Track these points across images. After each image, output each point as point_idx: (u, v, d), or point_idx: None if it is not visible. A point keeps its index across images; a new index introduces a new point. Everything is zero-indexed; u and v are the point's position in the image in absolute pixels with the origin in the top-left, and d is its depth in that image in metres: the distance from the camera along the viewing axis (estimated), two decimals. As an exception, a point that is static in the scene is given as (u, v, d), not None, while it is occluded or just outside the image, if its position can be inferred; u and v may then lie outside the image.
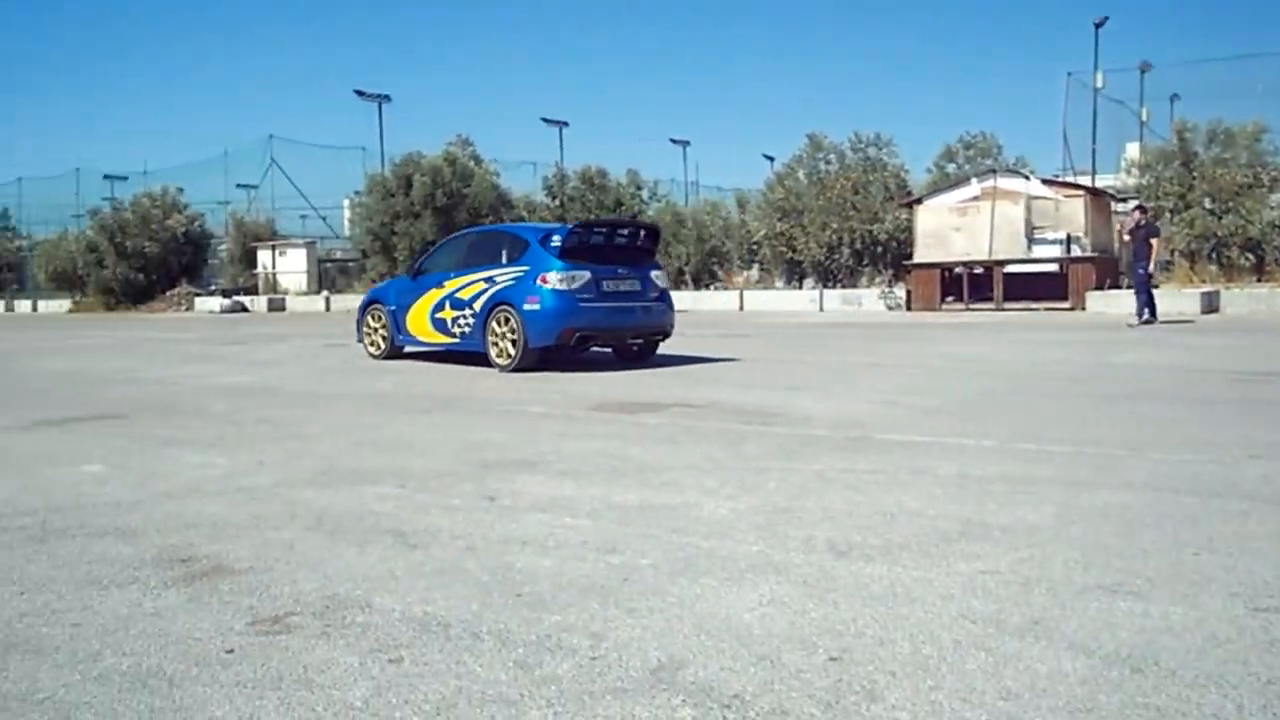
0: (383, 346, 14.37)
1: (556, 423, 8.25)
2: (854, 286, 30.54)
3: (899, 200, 30.41)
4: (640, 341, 13.13)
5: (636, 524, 4.82)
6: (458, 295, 13.00)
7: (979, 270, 25.60)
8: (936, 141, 45.63)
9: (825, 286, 30.59)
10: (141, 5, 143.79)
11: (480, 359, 12.78)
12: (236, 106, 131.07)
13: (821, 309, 28.48)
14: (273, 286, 42.87)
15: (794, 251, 32.69)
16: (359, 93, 43.30)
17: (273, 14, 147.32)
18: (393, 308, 14.18)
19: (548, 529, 4.74)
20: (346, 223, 51.50)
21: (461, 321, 12.92)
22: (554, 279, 11.98)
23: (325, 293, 40.33)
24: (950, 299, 25.70)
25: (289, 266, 43.55)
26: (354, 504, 5.37)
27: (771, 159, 43.69)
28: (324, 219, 52.99)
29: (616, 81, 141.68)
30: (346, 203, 50.75)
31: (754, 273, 38.38)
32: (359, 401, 9.95)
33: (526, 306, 12.01)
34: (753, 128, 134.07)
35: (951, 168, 32.89)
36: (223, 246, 48.55)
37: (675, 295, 14.71)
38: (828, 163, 33.19)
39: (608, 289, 12.31)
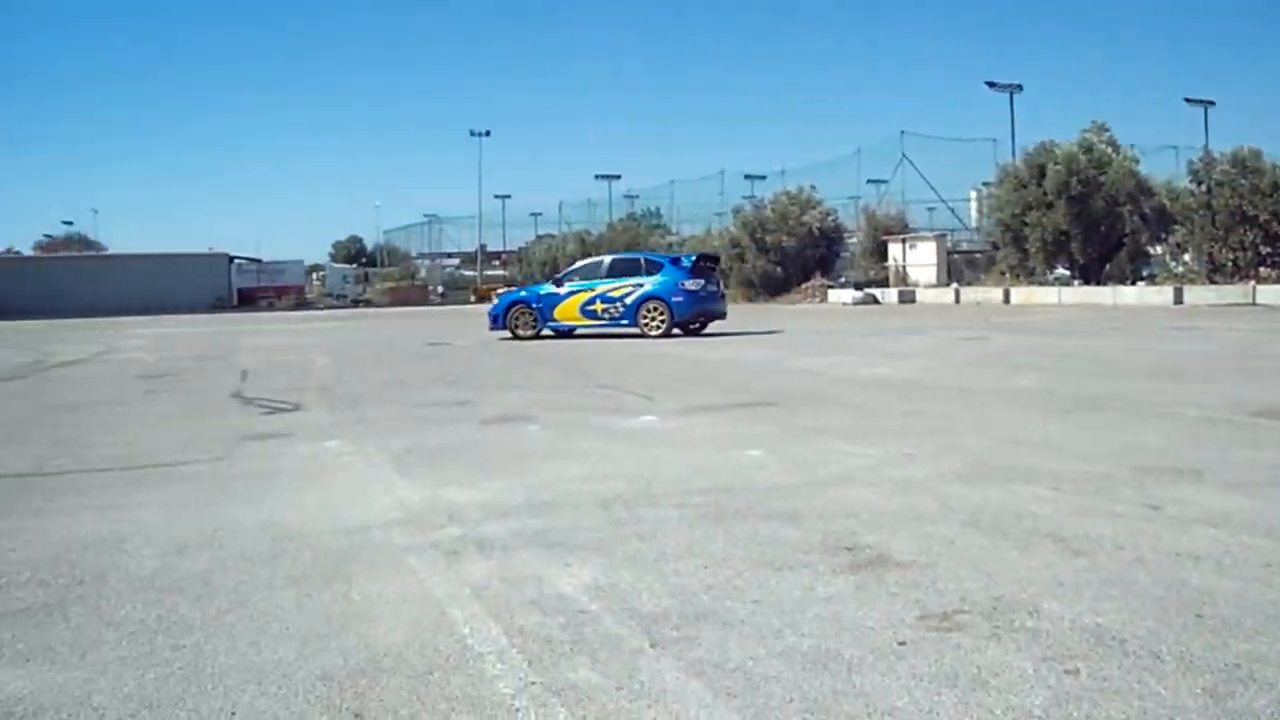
0: (531, 330, 21.33)
1: (1219, 428, 7.54)
2: None
3: None
4: (704, 321, 21.54)
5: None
6: (609, 294, 20.82)
7: None
8: None
9: None
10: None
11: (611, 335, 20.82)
12: (869, 106, 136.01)
13: None
14: (902, 279, 43.65)
15: None
16: (990, 84, 42.79)
17: (905, 12, 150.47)
18: (538, 305, 21.50)
19: (1222, 546, 4.33)
20: (973, 214, 51.15)
21: (612, 310, 20.79)
22: (690, 285, 20.62)
23: (954, 285, 40.31)
24: None
25: (918, 259, 44.09)
26: (1010, 503, 5.29)
27: None
28: (951, 210, 53.11)
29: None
30: (973, 194, 50.40)
31: None
32: (999, 396, 9.81)
33: (673, 299, 20.40)
34: None
35: None
36: (853, 240, 50.41)
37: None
38: None
39: (707, 291, 21.14)
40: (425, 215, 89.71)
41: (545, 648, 3.44)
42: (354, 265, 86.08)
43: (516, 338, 21.18)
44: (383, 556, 4.62)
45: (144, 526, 5.28)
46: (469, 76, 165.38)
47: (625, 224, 65.31)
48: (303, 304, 64.64)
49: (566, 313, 21.22)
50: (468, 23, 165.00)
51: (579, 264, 23.33)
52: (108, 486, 6.44)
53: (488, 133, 71.34)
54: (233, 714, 2.98)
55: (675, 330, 20.50)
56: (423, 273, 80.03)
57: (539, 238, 77.66)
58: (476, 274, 75.01)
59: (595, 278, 21.33)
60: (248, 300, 65.01)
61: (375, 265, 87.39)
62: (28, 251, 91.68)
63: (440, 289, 70.35)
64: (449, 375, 13.68)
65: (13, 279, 65.06)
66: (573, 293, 21.22)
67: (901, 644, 3.35)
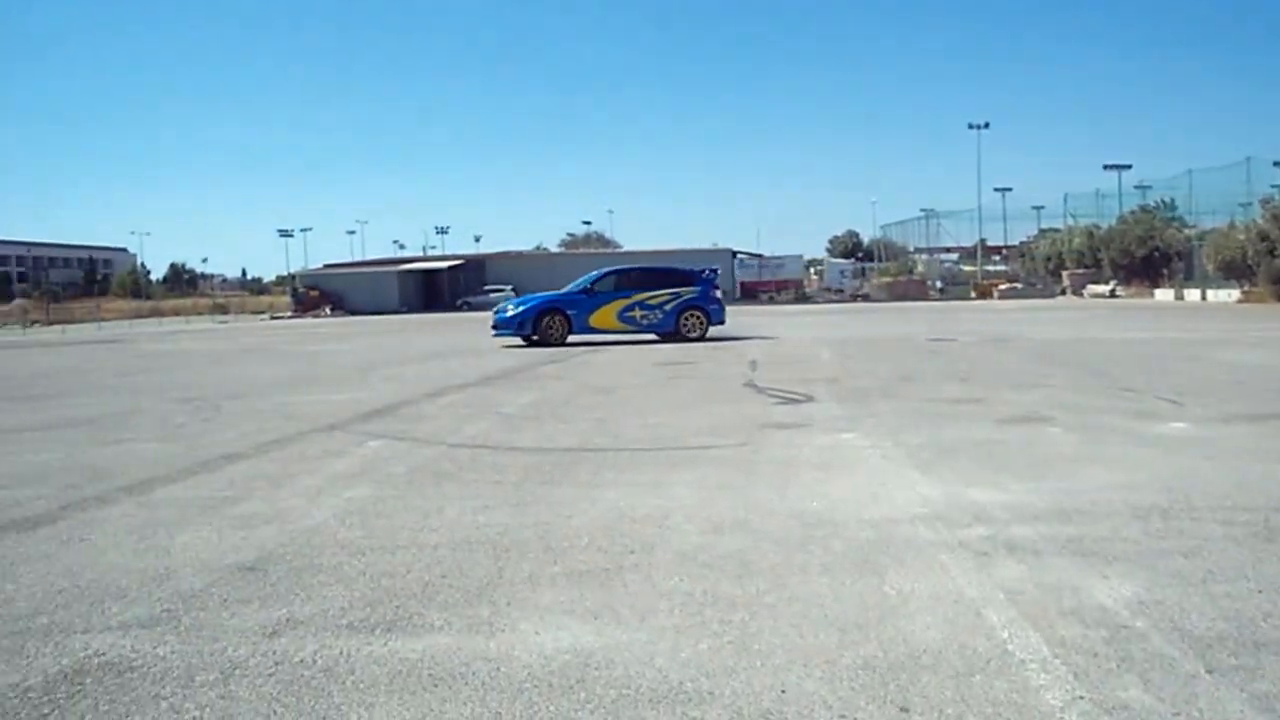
0: (562, 335, 21.74)
1: None
2: None
3: None
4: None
5: None
6: (648, 302, 22.25)
7: None
8: None
9: None
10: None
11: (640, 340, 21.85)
12: None
13: None
14: None
15: None
16: None
17: None
18: (572, 313, 22.02)
19: None
20: None
21: (650, 316, 22.24)
22: (717, 295, 23.26)
23: None
24: None
25: None
26: None
27: None
28: None
29: None
30: None
31: None
32: None
33: (710, 307, 22.78)
34: None
35: None
36: None
37: None
38: None
39: (721, 302, 23.44)
40: (922, 210, 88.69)
41: (1091, 661, 3.28)
42: (851, 260, 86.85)
43: (546, 344, 21.37)
44: (910, 551, 4.61)
45: (682, 504, 5.64)
46: (966, 67, 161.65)
47: (1137, 216, 60.73)
48: (801, 298, 66.23)
49: (603, 319, 22.14)
50: (965, 16, 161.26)
51: (607, 272, 23.73)
52: (645, 465, 6.95)
53: (987, 124, 69.06)
54: (782, 692, 3.09)
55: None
56: (920, 267, 79.09)
57: (1042, 232, 74.28)
58: (976, 269, 73.10)
59: (631, 287, 22.58)
60: (749, 294, 67.63)
61: (872, 260, 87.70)
62: (554, 248, 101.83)
63: (938, 284, 69.20)
64: (958, 371, 13.41)
65: (541, 272, 72.46)
66: (608, 300, 22.27)
67: None
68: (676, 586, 4.13)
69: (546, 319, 21.97)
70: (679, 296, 22.57)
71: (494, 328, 22.49)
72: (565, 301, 22.52)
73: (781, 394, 11.04)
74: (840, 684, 3.14)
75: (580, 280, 23.50)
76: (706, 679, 3.18)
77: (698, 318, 22.58)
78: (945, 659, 3.32)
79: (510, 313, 22.37)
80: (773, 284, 69.15)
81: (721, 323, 23.25)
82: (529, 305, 22.58)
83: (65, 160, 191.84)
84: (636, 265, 27.10)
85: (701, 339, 22.07)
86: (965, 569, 4.31)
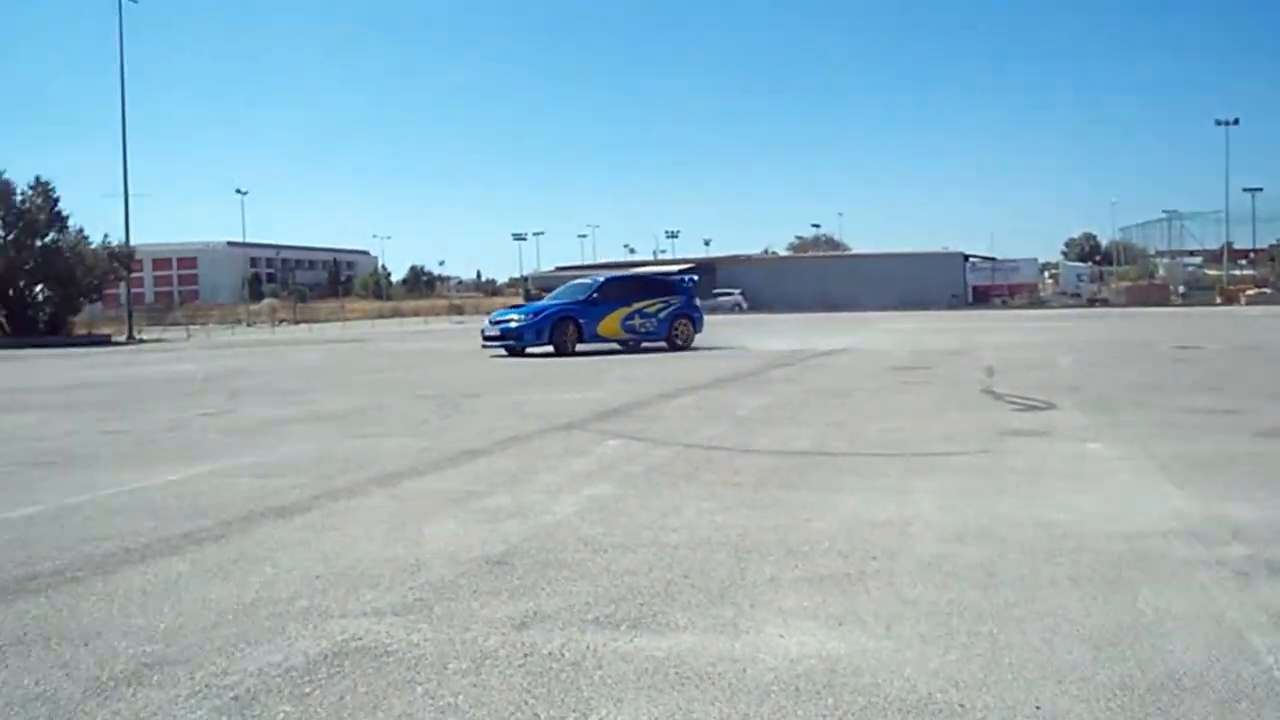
0: (574, 343, 21.43)
1: None
2: None
3: None
4: None
5: None
6: (645, 310, 22.56)
7: None
8: None
9: None
10: None
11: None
12: None
13: None
14: None
15: None
16: None
17: None
18: (583, 320, 21.70)
19: None
20: None
21: (648, 325, 22.58)
22: (698, 304, 24.41)
23: None
24: None
25: None
26: None
27: None
28: None
29: None
30: None
31: None
32: None
33: (695, 315, 23.76)
34: None
35: None
36: None
37: None
38: None
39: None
40: (1164, 211, 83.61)
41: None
42: (1088, 263, 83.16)
43: (562, 353, 21.16)
44: (1165, 568, 4.44)
45: (922, 511, 5.59)
46: (1212, 60, 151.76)
47: None
48: (1035, 302, 63.94)
49: (609, 327, 22.20)
50: (1210, 6, 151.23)
51: (608, 280, 23.97)
52: (883, 470, 6.91)
53: (1236, 121, 65.04)
54: (1037, 707, 3.04)
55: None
56: (1161, 271, 74.95)
57: (1293, 234, 69.04)
58: (1221, 273, 68.70)
59: (629, 296, 22.76)
60: (981, 297, 65.78)
61: (1110, 263, 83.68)
62: (782, 252, 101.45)
63: (1181, 289, 65.44)
64: (1207, 381, 12.71)
65: (769, 276, 72.51)
66: (613, 308, 22.32)
67: None
68: (921, 595, 4.11)
69: (562, 327, 21.60)
70: (670, 305, 23.19)
71: (495, 338, 21.75)
72: (577, 310, 22.22)
73: (1021, 401, 10.74)
74: (1097, 703, 3.06)
75: (573, 288, 23.85)
76: (957, 691, 3.16)
77: (686, 326, 23.29)
78: (1208, 683, 3.19)
79: (517, 322, 21.69)
80: (1005, 288, 67.11)
81: (700, 331, 23.77)
82: (546, 313, 22.02)
83: (313, 169, 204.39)
84: (631, 274, 28.08)
85: (686, 348, 22.54)
86: (1225, 589, 4.12)
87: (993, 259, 72.75)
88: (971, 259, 71.24)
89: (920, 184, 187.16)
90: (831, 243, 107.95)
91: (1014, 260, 70.63)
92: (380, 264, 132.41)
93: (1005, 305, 62.19)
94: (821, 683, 3.26)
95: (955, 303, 62.94)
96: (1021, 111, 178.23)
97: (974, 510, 5.60)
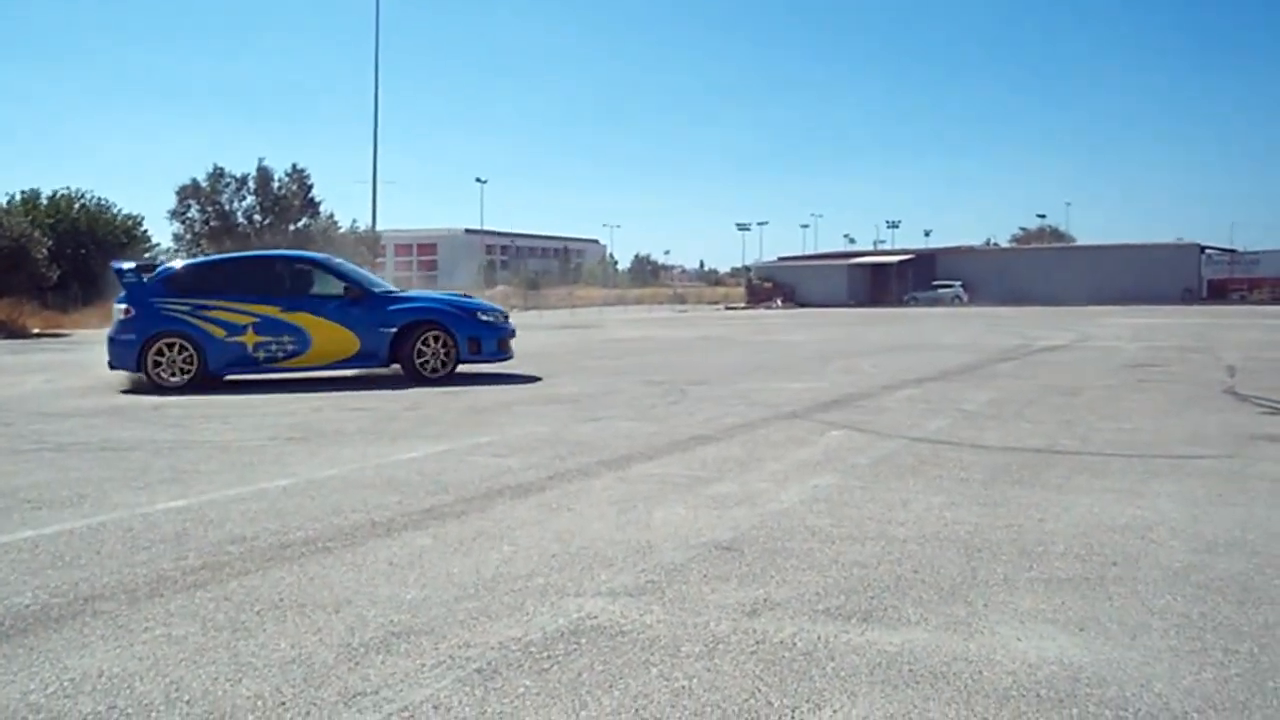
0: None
1: None
2: None
3: None
4: None
5: None
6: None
7: None
8: None
9: None
10: None
11: None
12: None
13: None
14: None
15: None
16: None
17: None
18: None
19: None
20: None
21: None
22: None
23: None
24: None
25: None
26: None
27: None
28: None
29: None
30: None
31: None
32: None
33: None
34: None
35: None
36: None
37: None
38: None
39: None
40: None
41: None
42: (1347, 255, 76.79)
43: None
44: None
45: (1166, 517, 5.30)
46: None
47: None
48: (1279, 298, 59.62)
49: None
50: None
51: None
52: (1120, 472, 6.59)
53: None
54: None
55: None
56: None
57: None
58: None
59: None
60: (1217, 292, 61.95)
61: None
62: (1004, 243, 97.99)
63: None
64: None
65: (990, 268, 70.21)
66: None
67: None
68: (1169, 605, 3.89)
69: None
70: None
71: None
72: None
73: (1270, 403, 10.04)
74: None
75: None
76: (1215, 713, 2.97)
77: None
78: None
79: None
80: (1245, 282, 62.92)
81: None
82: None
83: (548, 159, 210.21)
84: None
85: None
86: None
87: (1232, 251, 68.30)
88: (1208, 251, 67.07)
89: (1154, 173, 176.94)
90: (1056, 234, 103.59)
91: (1256, 253, 66.00)
92: (608, 252, 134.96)
93: (1244, 301, 58.29)
94: (1064, 691, 3.13)
95: (1188, 297, 59.44)
96: (1269, 92, 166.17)
97: (1223, 518, 5.28)
